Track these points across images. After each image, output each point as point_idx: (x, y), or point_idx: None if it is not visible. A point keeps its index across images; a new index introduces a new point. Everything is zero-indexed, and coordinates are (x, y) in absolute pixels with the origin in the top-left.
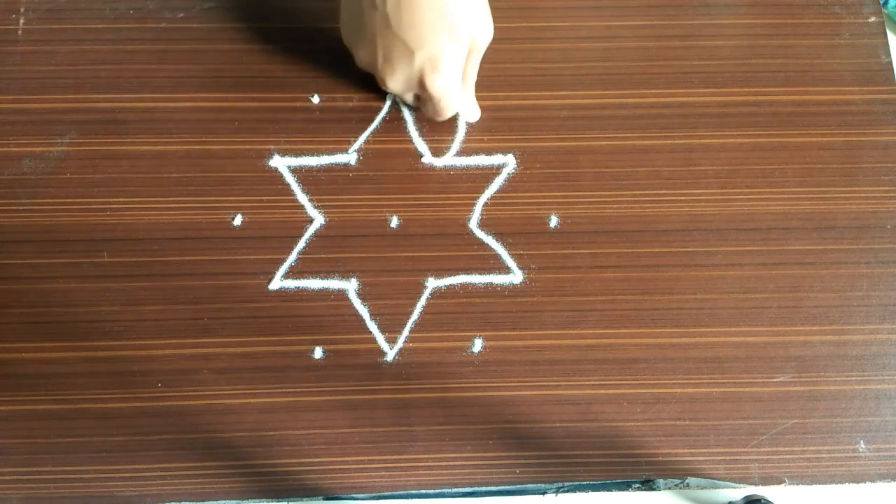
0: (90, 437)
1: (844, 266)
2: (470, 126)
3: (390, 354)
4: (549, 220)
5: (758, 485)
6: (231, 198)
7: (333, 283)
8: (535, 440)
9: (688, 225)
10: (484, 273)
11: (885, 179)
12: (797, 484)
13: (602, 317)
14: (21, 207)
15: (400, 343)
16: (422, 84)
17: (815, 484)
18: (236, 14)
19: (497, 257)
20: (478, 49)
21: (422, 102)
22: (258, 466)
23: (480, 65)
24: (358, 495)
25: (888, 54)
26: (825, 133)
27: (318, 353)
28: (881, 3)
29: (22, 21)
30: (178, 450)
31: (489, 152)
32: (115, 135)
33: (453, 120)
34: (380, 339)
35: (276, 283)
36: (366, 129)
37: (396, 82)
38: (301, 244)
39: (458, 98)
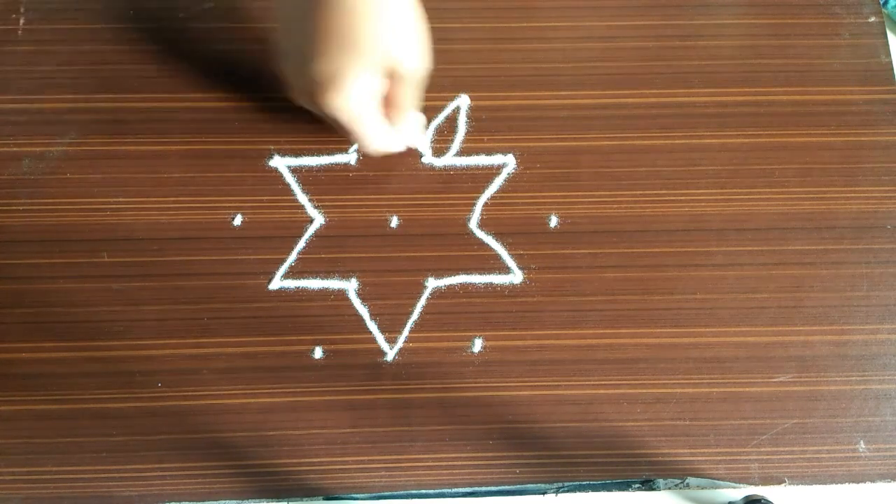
0: (90, 437)
1: (844, 266)
2: (470, 126)
3: (390, 354)
4: (549, 220)
5: (758, 485)
6: (231, 198)
7: (333, 283)
8: (535, 440)
9: (688, 225)
10: (484, 273)
11: (885, 179)
12: (797, 484)
13: (602, 317)
14: (21, 207)
15: (400, 343)
16: (321, 100)
17: (815, 484)
18: (236, 14)
19: (497, 257)
20: (406, 76)
21: (338, 127)
22: (258, 466)
23: (481, 65)
24: (358, 495)
25: (888, 54)
26: (825, 133)
27: (318, 353)
28: (881, 3)
29: (22, 21)
30: (178, 450)
31: (489, 152)
32: (115, 135)
33: (453, 120)
34: (380, 339)
35: (276, 283)
36: None
37: (298, 92)
38: (301, 244)
39: (374, 126)
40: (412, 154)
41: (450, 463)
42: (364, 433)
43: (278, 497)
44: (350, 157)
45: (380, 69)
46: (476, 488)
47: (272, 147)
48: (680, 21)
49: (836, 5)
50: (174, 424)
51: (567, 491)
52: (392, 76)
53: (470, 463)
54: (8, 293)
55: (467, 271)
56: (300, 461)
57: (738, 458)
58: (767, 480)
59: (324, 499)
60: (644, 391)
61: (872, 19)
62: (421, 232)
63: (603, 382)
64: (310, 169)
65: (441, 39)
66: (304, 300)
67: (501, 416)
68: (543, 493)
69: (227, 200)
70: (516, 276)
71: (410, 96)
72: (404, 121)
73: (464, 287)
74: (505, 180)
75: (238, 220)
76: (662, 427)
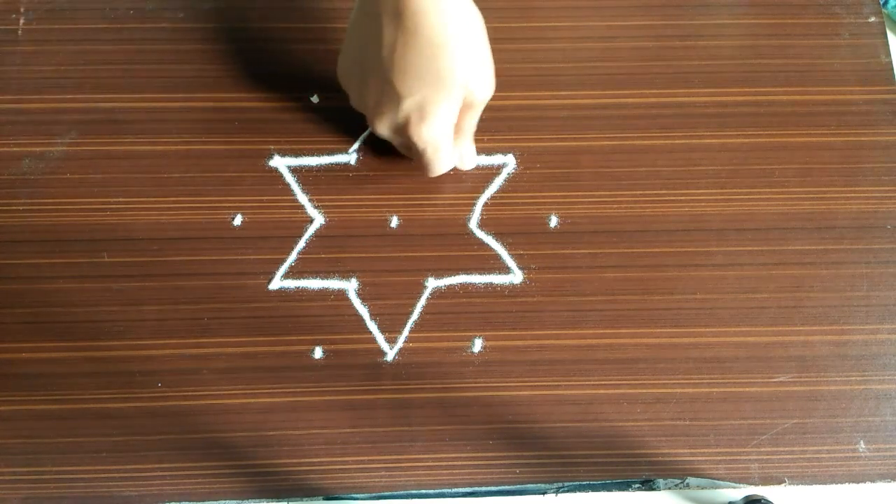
0: (90, 437)
1: (844, 266)
2: None
3: (390, 354)
4: (549, 220)
5: (758, 485)
6: (231, 198)
7: (333, 283)
8: (535, 440)
9: (688, 225)
10: (484, 273)
11: (885, 179)
12: (797, 484)
13: (602, 317)
14: (21, 207)
15: (400, 343)
16: (407, 132)
17: (815, 484)
18: (236, 14)
19: (497, 257)
20: (476, 104)
21: (412, 152)
22: (258, 466)
23: None
24: (358, 495)
25: (888, 54)
26: (825, 133)
27: (318, 353)
28: (881, 3)
29: (22, 21)
30: (178, 450)
31: (489, 152)
32: (115, 135)
33: None
34: (380, 339)
35: (276, 283)
36: (366, 128)
37: (384, 127)
38: (301, 244)
39: (449, 152)
40: None
41: (450, 463)
42: (364, 433)
43: (278, 497)
44: (350, 157)
45: (460, 100)
46: (476, 488)
47: (272, 147)
48: (680, 21)
49: (836, 5)
50: (174, 424)
51: (567, 491)
52: (463, 104)
53: (470, 463)
54: (8, 293)
55: (467, 271)
56: (300, 461)
57: (738, 458)
58: (767, 480)
59: (324, 499)
60: (644, 391)
61: (872, 19)
62: (421, 232)
63: (603, 382)
64: (310, 169)
65: None
66: (304, 300)
67: (501, 416)
68: (543, 493)
69: (227, 200)
70: (516, 276)
71: (475, 122)
72: (466, 145)
73: (464, 287)
74: (505, 180)
75: (238, 220)
76: (662, 427)
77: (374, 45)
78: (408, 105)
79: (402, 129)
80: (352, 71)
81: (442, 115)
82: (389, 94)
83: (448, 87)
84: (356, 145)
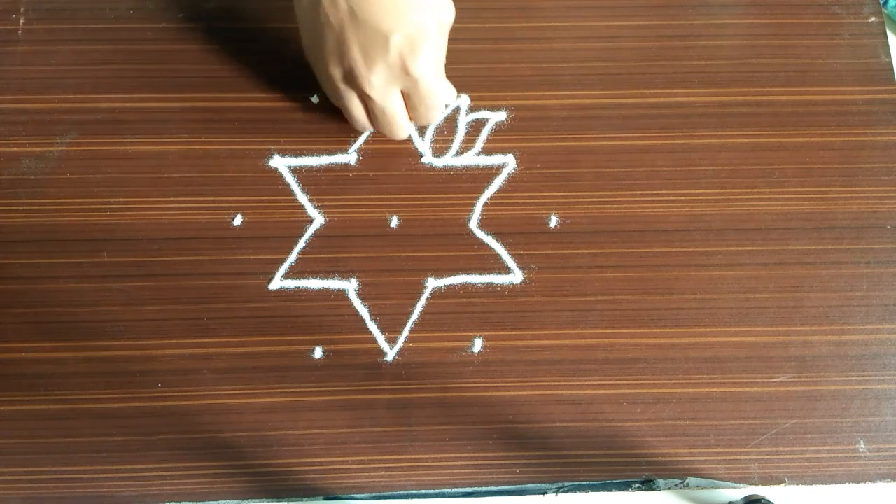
0: (90, 437)
1: (844, 266)
2: (470, 126)
3: (390, 354)
4: (549, 220)
5: (758, 485)
6: (231, 198)
7: (333, 283)
8: (535, 440)
9: (688, 225)
10: (484, 273)
11: (885, 179)
12: (797, 484)
13: (602, 317)
14: (21, 207)
15: (400, 343)
16: (405, 69)
17: (815, 484)
18: (236, 14)
19: (497, 257)
20: (443, 29)
21: (410, 101)
22: (258, 466)
23: (481, 65)
24: (358, 495)
25: (888, 54)
26: (825, 133)
27: (318, 353)
28: (881, 3)
29: (22, 21)
30: (178, 450)
31: (489, 152)
32: (115, 135)
33: (453, 120)
34: (380, 339)
35: (276, 283)
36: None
37: (379, 76)
38: (301, 244)
39: (445, 84)
40: (412, 154)
41: (450, 463)
42: (364, 433)
43: (278, 497)
44: (350, 157)
45: (437, 25)
46: (476, 488)
47: (272, 147)
48: (680, 21)
49: (836, 5)
50: (174, 424)
51: (567, 491)
52: None
53: (470, 463)
54: (8, 293)
55: (467, 271)
56: (300, 461)
57: (738, 458)
58: (767, 480)
59: (324, 499)
60: (644, 391)
61: (872, 19)
62: (421, 232)
63: (603, 382)
64: (310, 169)
65: None
66: (304, 300)
67: (501, 416)
68: (543, 493)
69: (227, 200)
70: (516, 276)
71: (444, 47)
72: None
73: (464, 287)
74: (505, 180)
75: (238, 220)
76: (662, 427)
77: (343, 1)
78: (396, 41)
79: (398, 70)
80: (320, 43)
81: (431, 43)
82: (374, 38)
83: (427, 13)
84: (356, 145)
